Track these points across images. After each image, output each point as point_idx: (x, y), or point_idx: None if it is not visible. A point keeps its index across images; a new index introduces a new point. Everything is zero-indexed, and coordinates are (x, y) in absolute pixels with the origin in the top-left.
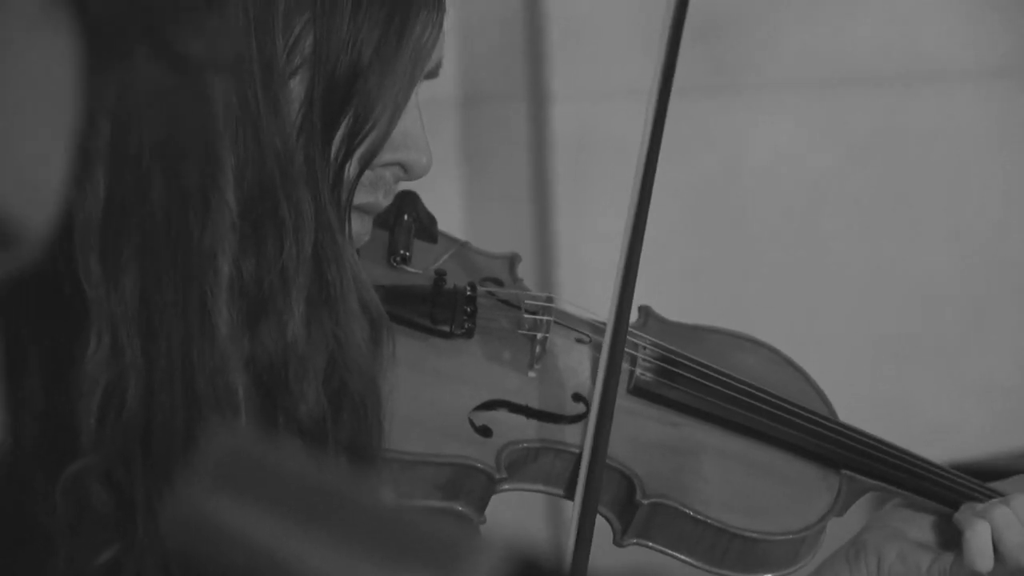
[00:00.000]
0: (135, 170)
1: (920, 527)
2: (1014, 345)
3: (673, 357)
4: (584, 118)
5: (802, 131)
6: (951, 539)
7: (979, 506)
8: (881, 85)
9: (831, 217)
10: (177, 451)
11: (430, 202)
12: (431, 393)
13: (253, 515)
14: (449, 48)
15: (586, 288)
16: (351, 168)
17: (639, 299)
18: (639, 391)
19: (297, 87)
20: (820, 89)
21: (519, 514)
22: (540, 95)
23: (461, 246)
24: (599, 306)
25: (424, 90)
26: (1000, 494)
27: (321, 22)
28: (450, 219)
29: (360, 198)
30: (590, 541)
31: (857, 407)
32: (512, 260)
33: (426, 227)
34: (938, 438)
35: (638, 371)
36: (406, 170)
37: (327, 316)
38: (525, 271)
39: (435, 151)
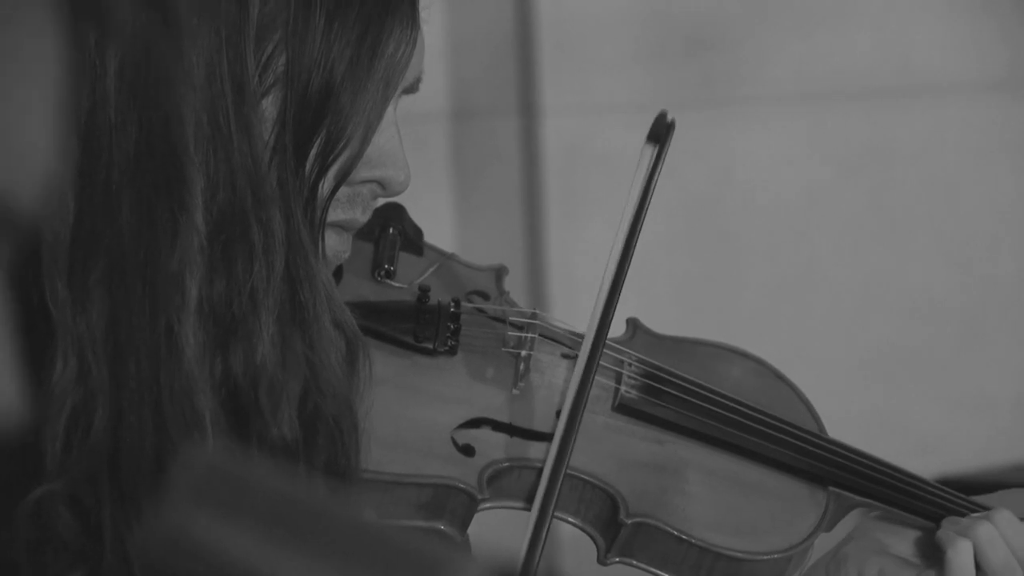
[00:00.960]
0: (104, 192)
1: (903, 541)
2: (1005, 359)
3: (659, 374)
4: (574, 132)
5: (793, 145)
6: (934, 555)
7: (962, 521)
8: (873, 99)
9: (822, 231)
10: (145, 475)
11: (421, 216)
12: (413, 411)
13: (231, 531)
14: (440, 63)
15: (576, 301)
16: (324, 186)
17: (628, 312)
18: (624, 408)
19: (269, 107)
20: (811, 103)
21: (502, 531)
22: (531, 109)
23: (447, 259)
24: (588, 320)
25: (415, 105)
26: (986, 508)
27: (293, 41)
28: (440, 233)
29: (338, 215)
30: (543, 547)
31: (847, 421)
32: (499, 272)
33: (412, 240)
34: (928, 452)
35: (623, 388)
36: (383, 187)
37: (300, 338)
38: (515, 285)
39: (426, 165)
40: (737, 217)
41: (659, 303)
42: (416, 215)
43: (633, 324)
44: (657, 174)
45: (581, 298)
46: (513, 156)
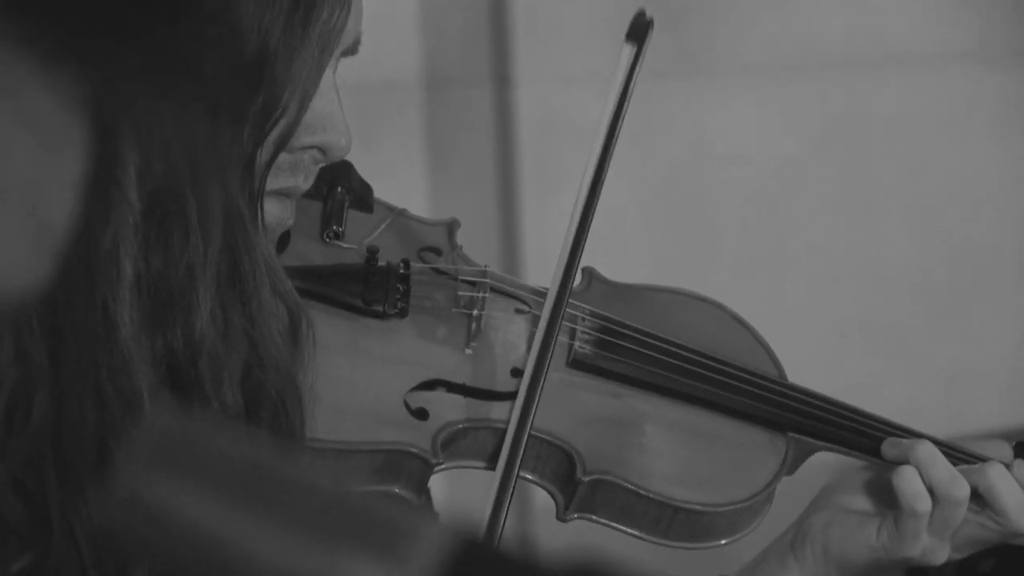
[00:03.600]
0: None
1: (864, 496)
2: (980, 330)
3: (614, 327)
4: (548, 102)
5: (767, 117)
6: (894, 500)
7: (902, 443)
8: (847, 70)
9: (796, 203)
10: (89, 455)
11: (394, 186)
12: (365, 376)
13: (189, 495)
14: (413, 33)
15: (551, 270)
16: (263, 155)
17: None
18: (578, 364)
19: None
20: (786, 75)
21: (466, 491)
22: (504, 79)
23: (398, 214)
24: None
25: (387, 74)
26: (970, 456)
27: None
28: (414, 204)
29: (280, 182)
30: (507, 508)
31: (820, 391)
32: (450, 226)
33: (361, 197)
34: (904, 423)
35: (577, 344)
36: (324, 152)
37: (240, 311)
38: (489, 256)
39: (399, 136)
40: (710, 189)
41: (632, 276)
42: (389, 186)
43: (589, 273)
44: (636, 75)
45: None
46: (487, 127)
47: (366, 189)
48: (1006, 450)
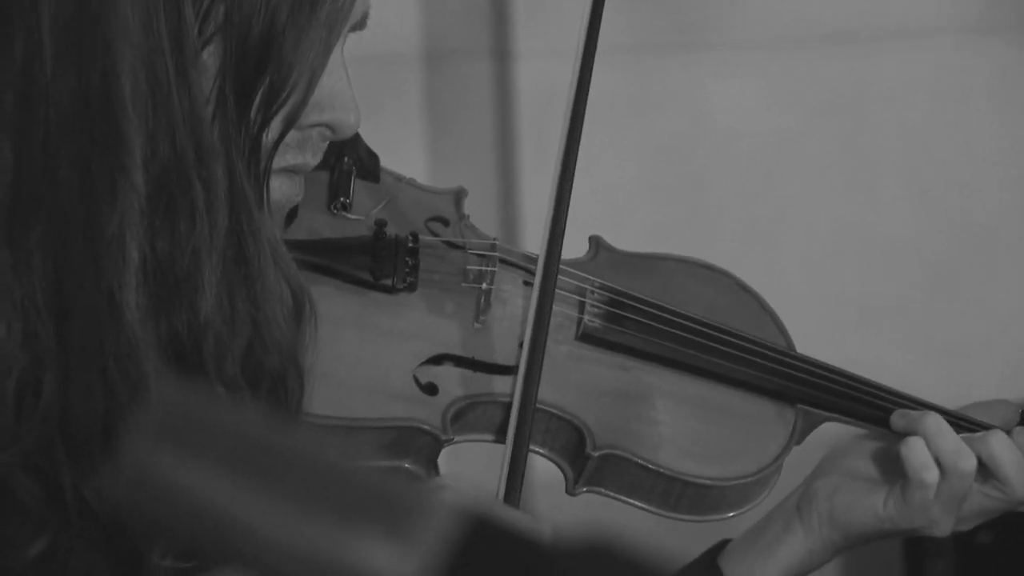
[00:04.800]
0: (42, 150)
1: (871, 463)
2: (978, 303)
3: (623, 300)
4: (549, 76)
5: (766, 90)
6: (901, 470)
7: (911, 415)
8: (845, 43)
9: (794, 177)
10: (97, 438)
11: (395, 161)
12: (374, 352)
13: (198, 470)
14: (413, 5)
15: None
16: (270, 135)
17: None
18: (588, 337)
19: (209, 58)
20: (784, 48)
21: (474, 465)
22: (505, 53)
23: (405, 183)
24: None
25: (388, 46)
26: (973, 424)
27: None
28: (415, 177)
29: (288, 160)
30: (521, 485)
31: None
32: (458, 195)
33: (367, 167)
34: (910, 394)
35: (586, 317)
36: (333, 130)
37: (244, 295)
38: (489, 229)
39: (399, 110)
40: (709, 163)
41: (631, 248)
42: (390, 160)
43: (596, 242)
44: (597, 29)
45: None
46: (488, 100)
47: (373, 159)
48: (1011, 411)
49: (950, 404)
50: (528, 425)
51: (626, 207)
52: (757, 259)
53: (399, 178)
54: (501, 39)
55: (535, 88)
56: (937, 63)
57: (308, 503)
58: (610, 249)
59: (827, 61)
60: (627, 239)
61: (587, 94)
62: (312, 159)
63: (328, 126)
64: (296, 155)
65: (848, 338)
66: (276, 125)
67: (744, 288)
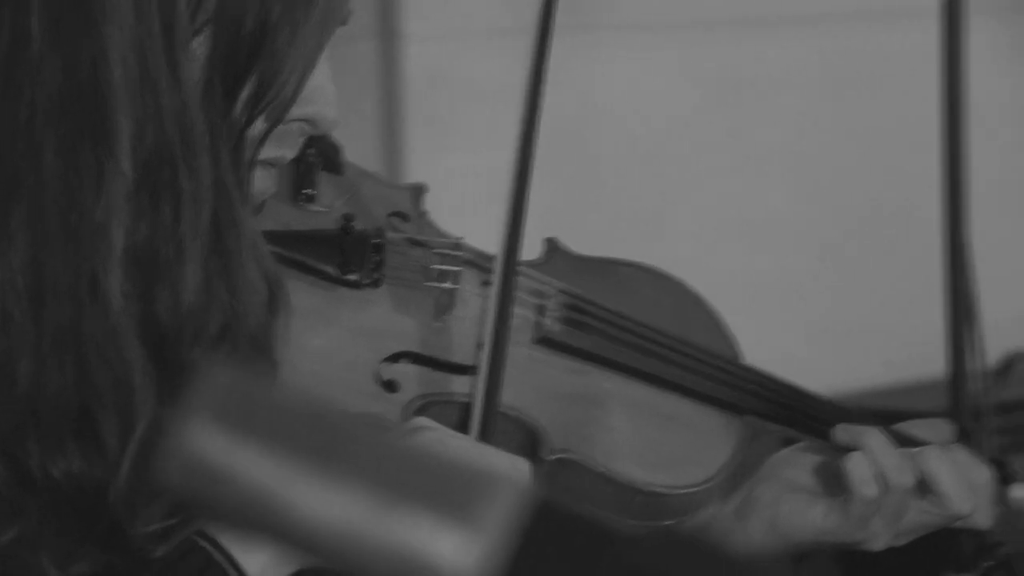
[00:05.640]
0: (27, 133)
1: (813, 474)
2: (858, 286)
3: (582, 305)
4: (436, 58)
5: (655, 73)
6: (843, 482)
7: (853, 429)
8: (734, 28)
9: (683, 160)
10: (70, 422)
11: None
12: (336, 347)
13: (250, 452)
14: None
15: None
16: (256, 127)
17: (486, 239)
18: (545, 341)
19: (200, 48)
20: (674, 31)
21: None
22: (391, 35)
23: (367, 177)
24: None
25: None
26: (912, 441)
27: None
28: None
29: (266, 153)
30: None
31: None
32: (416, 191)
33: (331, 159)
34: (782, 377)
35: (545, 321)
36: (313, 124)
37: (224, 284)
38: None
39: None
40: (601, 145)
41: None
42: None
43: (551, 244)
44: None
45: (445, 222)
46: (374, 83)
47: (336, 151)
48: (947, 429)
49: (836, 386)
50: (492, 426)
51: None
52: (646, 241)
53: (361, 171)
54: (389, 19)
55: (423, 70)
56: (823, 48)
57: (367, 486)
58: (566, 253)
59: (716, 45)
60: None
61: (541, 91)
62: (289, 153)
63: (309, 120)
64: (274, 148)
65: (733, 320)
66: (262, 121)
67: (696, 298)
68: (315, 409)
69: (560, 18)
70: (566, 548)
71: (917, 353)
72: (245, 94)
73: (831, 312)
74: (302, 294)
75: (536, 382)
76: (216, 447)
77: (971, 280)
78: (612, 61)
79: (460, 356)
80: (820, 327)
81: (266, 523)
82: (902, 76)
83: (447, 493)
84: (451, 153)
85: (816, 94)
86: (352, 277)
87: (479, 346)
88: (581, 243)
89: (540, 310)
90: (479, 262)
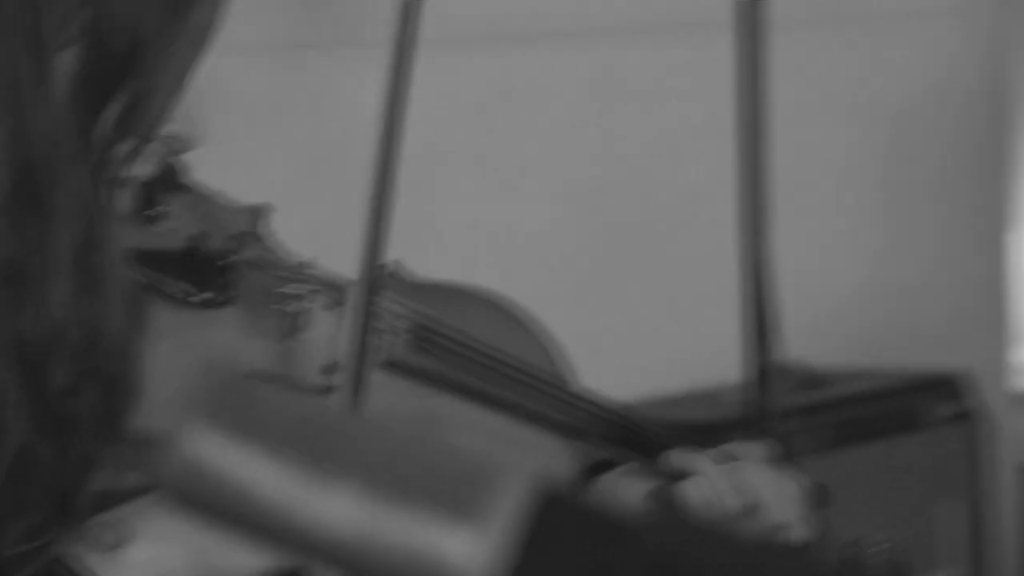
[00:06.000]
0: None
1: (647, 497)
2: (619, 302)
3: (428, 329)
4: (212, 71)
5: (418, 89)
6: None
7: (687, 454)
8: (496, 42)
9: (448, 175)
10: None
11: None
12: (184, 367)
13: (252, 454)
14: None
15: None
16: (124, 146)
17: None
18: (391, 364)
19: (68, 62)
20: (435, 46)
21: None
22: None
23: (212, 197)
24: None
25: None
26: (733, 458)
27: None
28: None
29: (130, 171)
30: None
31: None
32: (259, 212)
33: (176, 179)
34: (616, 401)
35: (389, 343)
36: (177, 143)
37: (89, 303)
38: None
39: None
40: (365, 162)
41: (287, 250)
42: None
43: (392, 269)
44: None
45: None
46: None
47: (182, 169)
48: (765, 450)
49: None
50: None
51: (283, 209)
52: (411, 258)
53: (206, 191)
54: None
55: (196, 84)
56: (587, 63)
57: (372, 485)
58: (407, 275)
59: (476, 59)
60: (287, 241)
61: (400, 111)
62: (147, 170)
63: (172, 138)
64: (139, 167)
65: None
66: (130, 139)
67: (530, 323)
68: (315, 411)
69: (322, 34)
70: (577, 539)
71: (697, 361)
72: (115, 112)
73: (591, 327)
74: (152, 314)
75: (379, 406)
76: (216, 450)
77: (771, 290)
78: (374, 78)
79: (306, 378)
80: (580, 341)
81: (269, 527)
82: (665, 90)
83: (451, 490)
84: (230, 171)
85: (576, 107)
86: (201, 297)
87: (325, 369)
88: (346, 262)
89: (385, 333)
90: (326, 284)
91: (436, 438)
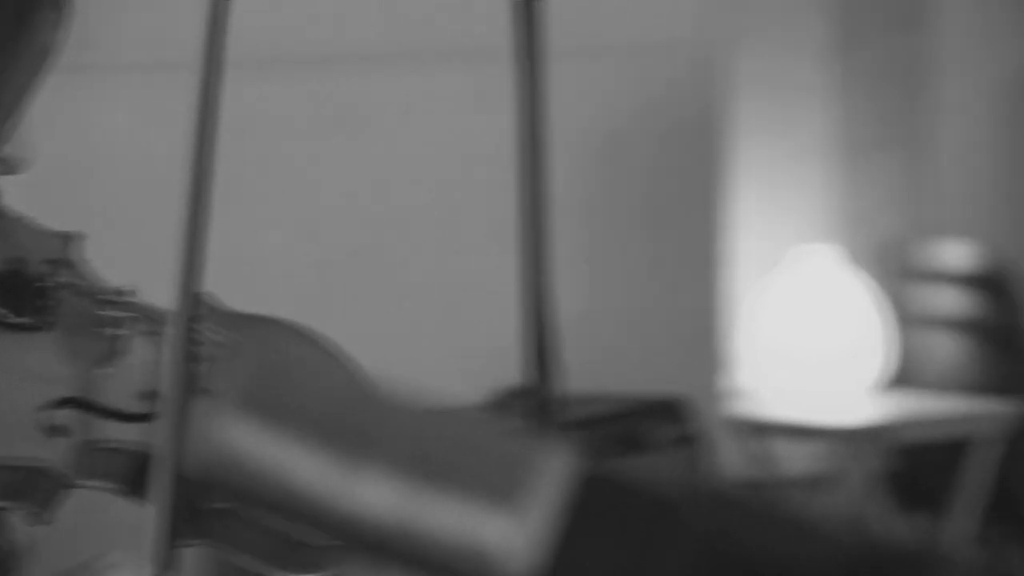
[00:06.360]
0: None
1: None
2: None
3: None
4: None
5: (145, 113)
6: None
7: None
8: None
9: (175, 203)
10: None
11: None
12: (3, 388)
13: (292, 442)
14: None
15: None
16: None
17: None
18: (207, 393)
19: None
20: (162, 71)
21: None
22: None
23: (25, 221)
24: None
25: None
26: None
27: None
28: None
29: None
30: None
31: None
32: (68, 239)
33: None
34: None
35: (206, 372)
36: (8, 165)
37: None
38: None
39: None
40: (90, 188)
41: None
42: None
43: (204, 300)
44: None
45: None
46: None
47: None
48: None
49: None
50: (170, 476)
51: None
52: (148, 284)
53: (18, 215)
54: None
55: None
56: (314, 91)
57: (411, 472)
58: (218, 305)
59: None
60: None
61: (211, 134)
62: None
63: (4, 161)
64: None
65: None
66: None
67: (336, 351)
68: (354, 397)
69: (72, 56)
70: (618, 520)
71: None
72: None
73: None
74: None
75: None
76: (252, 436)
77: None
78: (100, 101)
79: (123, 404)
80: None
81: (309, 513)
82: (388, 119)
83: (490, 476)
84: (50, 189)
85: (309, 136)
86: (18, 320)
87: (143, 395)
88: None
89: (206, 360)
90: (143, 311)
91: (474, 423)
